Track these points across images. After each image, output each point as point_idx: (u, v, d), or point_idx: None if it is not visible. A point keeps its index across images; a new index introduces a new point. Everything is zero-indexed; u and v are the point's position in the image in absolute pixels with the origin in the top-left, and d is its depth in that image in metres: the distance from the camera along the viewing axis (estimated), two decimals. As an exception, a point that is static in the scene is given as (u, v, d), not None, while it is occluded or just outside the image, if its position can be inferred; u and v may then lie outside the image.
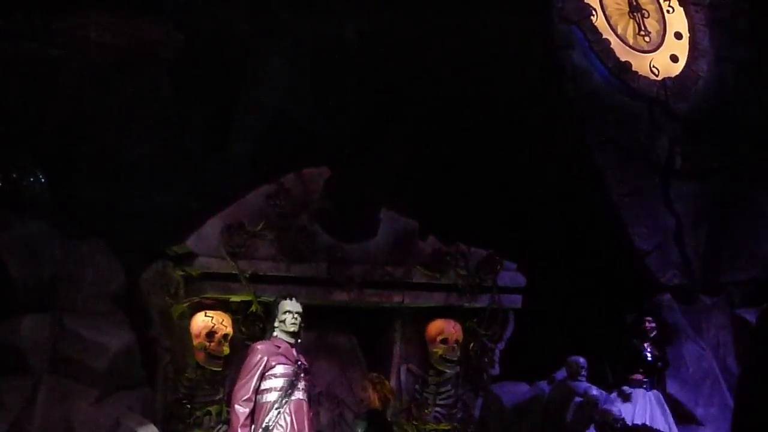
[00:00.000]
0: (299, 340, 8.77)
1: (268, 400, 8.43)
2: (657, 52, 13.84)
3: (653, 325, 11.86)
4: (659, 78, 13.59)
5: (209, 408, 10.14)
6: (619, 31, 13.66)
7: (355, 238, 10.79)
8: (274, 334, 8.69)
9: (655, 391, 11.76)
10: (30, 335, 9.45)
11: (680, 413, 12.22)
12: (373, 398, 9.91)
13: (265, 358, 8.49)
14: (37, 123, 11.19)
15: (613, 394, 11.58)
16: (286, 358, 8.56)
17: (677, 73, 13.79)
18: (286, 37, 12.86)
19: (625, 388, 11.61)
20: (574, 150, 13.01)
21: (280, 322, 8.68)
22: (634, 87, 13.35)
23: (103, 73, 11.68)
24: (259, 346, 8.66)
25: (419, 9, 12.99)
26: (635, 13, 13.87)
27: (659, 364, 11.89)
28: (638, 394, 11.63)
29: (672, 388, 12.28)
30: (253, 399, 8.42)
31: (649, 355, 11.77)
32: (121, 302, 10.15)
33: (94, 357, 9.62)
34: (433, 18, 13.02)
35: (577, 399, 11.30)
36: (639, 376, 11.67)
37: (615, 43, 13.48)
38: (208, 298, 10.18)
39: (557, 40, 13.20)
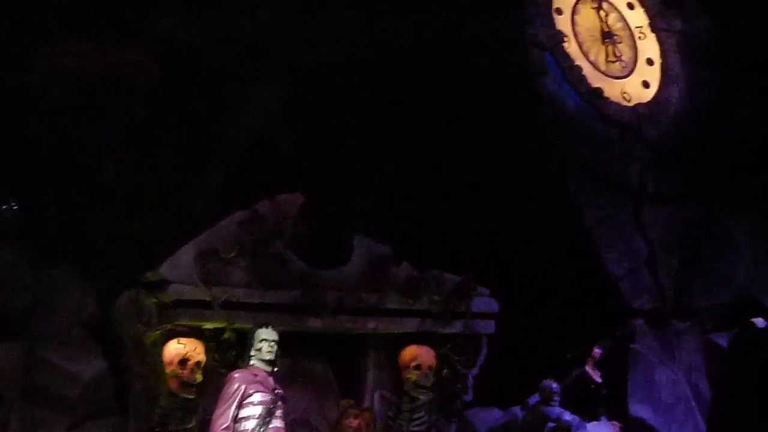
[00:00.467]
0: (276, 369, 8.90)
1: (247, 428, 8.57)
2: (629, 78, 13.93)
3: (600, 351, 11.81)
4: (631, 104, 13.66)
5: (182, 436, 10.07)
6: (592, 57, 13.76)
7: (329, 264, 10.79)
8: (251, 362, 8.84)
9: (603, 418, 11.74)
10: (1, 363, 9.41)
11: (653, 438, 12.30)
12: (360, 426, 10.01)
13: (243, 386, 8.63)
14: (11, 149, 11.16)
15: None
16: (264, 386, 8.72)
17: (649, 99, 13.89)
18: (262, 65, 12.85)
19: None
20: (547, 175, 13.02)
21: (257, 350, 8.86)
22: (606, 113, 13.42)
23: (79, 99, 11.66)
24: (237, 374, 8.78)
25: (397, 37, 13.01)
26: (607, 40, 13.93)
27: (603, 391, 11.85)
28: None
29: (645, 412, 12.31)
30: (232, 427, 8.57)
31: (592, 383, 11.74)
32: (93, 330, 10.10)
33: (67, 385, 9.62)
34: (411, 47, 13.05)
35: (550, 424, 11.28)
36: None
37: (587, 70, 13.56)
38: (181, 326, 10.12)
39: (530, 67, 13.24)
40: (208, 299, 10.10)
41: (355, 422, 10.39)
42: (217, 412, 8.67)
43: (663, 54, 14.22)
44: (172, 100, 12.16)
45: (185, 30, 12.48)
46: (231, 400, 8.62)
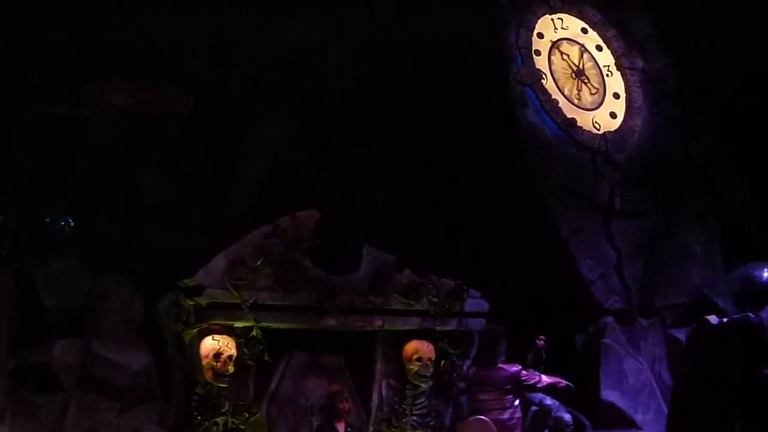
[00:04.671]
0: None
1: None
2: (598, 109, 13.94)
3: (542, 343, 11.73)
4: (601, 132, 13.68)
5: (216, 419, 10.12)
6: (566, 92, 13.75)
7: (341, 271, 10.85)
8: None
9: None
10: (62, 357, 9.53)
11: (622, 419, 12.28)
12: (349, 408, 10.46)
13: None
14: (67, 174, 11.24)
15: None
16: None
17: (616, 128, 13.88)
18: (280, 100, 12.94)
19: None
20: (529, 194, 13.08)
21: None
22: (579, 140, 13.41)
23: (124, 131, 11.75)
24: None
25: (394, 77, 13.11)
26: (579, 77, 13.97)
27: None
28: None
29: (615, 397, 12.31)
30: None
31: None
32: (140, 328, 10.19)
33: (117, 376, 9.69)
34: (408, 86, 13.14)
35: (533, 408, 11.31)
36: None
37: (562, 103, 13.58)
38: (215, 324, 10.20)
39: (513, 101, 13.28)
40: (237, 302, 10.18)
41: (345, 405, 10.47)
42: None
43: (627, 89, 14.22)
44: (204, 131, 12.25)
45: (214, 71, 12.60)
46: None
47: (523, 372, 10.99)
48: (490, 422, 10.63)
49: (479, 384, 11.09)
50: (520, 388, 11.05)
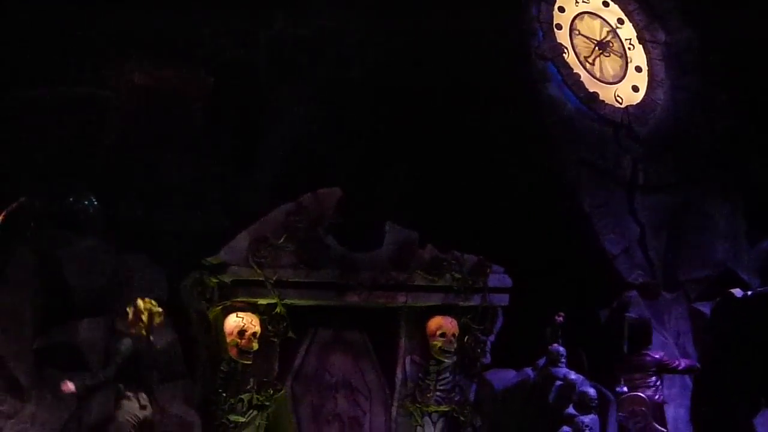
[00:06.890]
0: None
1: None
2: (620, 83, 13.85)
3: (561, 319, 11.65)
4: (623, 106, 13.60)
5: (241, 396, 10.17)
6: (588, 65, 13.66)
7: (363, 248, 10.85)
8: None
9: None
10: (87, 336, 9.56)
11: (646, 393, 12.27)
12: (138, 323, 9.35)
13: None
14: (90, 154, 11.27)
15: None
16: None
17: (638, 101, 13.79)
18: (301, 79, 12.93)
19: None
20: (551, 169, 13.05)
21: None
22: (601, 114, 13.35)
23: (145, 110, 11.77)
24: None
25: (416, 54, 13.07)
26: (601, 50, 13.88)
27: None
28: None
29: (639, 371, 12.30)
30: None
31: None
32: (164, 307, 10.08)
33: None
34: (427, 60, 13.09)
35: (558, 383, 11.29)
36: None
37: (584, 76, 13.49)
38: (239, 302, 10.23)
39: (535, 75, 13.23)
40: (261, 279, 10.18)
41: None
42: None
43: (650, 62, 14.11)
44: (226, 110, 12.26)
45: (235, 50, 12.58)
46: None
47: (666, 357, 12.00)
48: (645, 397, 11.70)
49: (631, 368, 11.91)
50: (662, 370, 11.93)
